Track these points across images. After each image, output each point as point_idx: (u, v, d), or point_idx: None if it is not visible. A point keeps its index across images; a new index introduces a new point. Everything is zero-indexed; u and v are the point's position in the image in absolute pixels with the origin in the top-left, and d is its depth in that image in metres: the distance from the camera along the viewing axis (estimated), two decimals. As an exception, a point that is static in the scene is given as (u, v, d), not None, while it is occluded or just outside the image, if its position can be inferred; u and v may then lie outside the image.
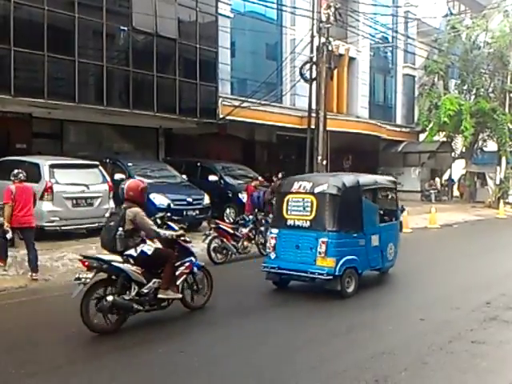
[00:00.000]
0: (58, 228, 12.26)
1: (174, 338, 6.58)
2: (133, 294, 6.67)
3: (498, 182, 28.30)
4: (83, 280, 6.39)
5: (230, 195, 16.35)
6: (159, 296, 6.91)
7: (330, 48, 18.22)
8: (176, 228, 10.49)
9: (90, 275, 6.44)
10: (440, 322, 7.32)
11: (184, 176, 15.92)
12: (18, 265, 10.09)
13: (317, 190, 8.53)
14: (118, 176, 14.15)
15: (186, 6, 17.17)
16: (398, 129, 29.68)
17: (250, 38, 22.28)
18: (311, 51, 19.47)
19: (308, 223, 8.49)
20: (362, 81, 27.40)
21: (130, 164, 14.97)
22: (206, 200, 14.91)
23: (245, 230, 12.04)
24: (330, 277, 8.23)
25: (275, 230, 8.91)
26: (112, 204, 13.10)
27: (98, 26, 15.06)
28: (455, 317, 7.60)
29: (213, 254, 11.20)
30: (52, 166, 12.45)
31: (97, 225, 12.97)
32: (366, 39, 26.02)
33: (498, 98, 28.49)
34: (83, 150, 16.50)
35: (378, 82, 29.96)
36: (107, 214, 12.50)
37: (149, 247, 6.96)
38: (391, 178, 11.25)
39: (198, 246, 11.79)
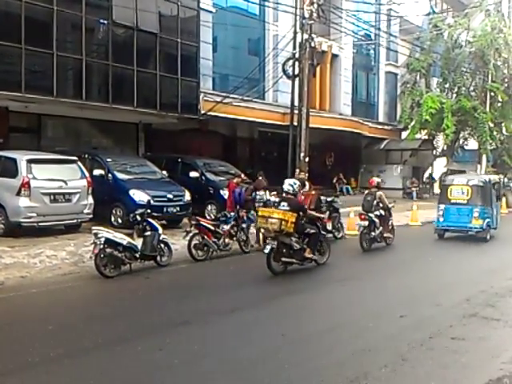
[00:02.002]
0: (35, 224, 12.06)
1: (151, 336, 6.45)
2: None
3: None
4: None
5: (212, 192, 16.22)
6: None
7: (312, 44, 18.16)
8: (156, 225, 10.44)
9: None
10: (420, 319, 7.32)
11: (164, 172, 15.76)
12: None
13: (471, 183, 15.23)
14: (96, 172, 13.99)
15: (167, 0, 16.99)
16: (381, 126, 29.80)
17: (232, 33, 22.14)
18: (294, 47, 19.42)
19: (465, 201, 15.03)
20: (345, 78, 27.42)
21: (109, 159, 14.77)
22: (187, 196, 14.78)
23: (226, 227, 11.91)
24: (480, 230, 14.88)
25: (442, 206, 15.30)
26: (91, 200, 12.92)
27: (77, 18, 14.80)
28: (435, 313, 7.61)
29: (193, 251, 11.06)
30: (29, 161, 12.23)
31: (75, 221, 12.86)
32: (348, 36, 25.98)
33: (479, 97, 28.76)
34: (61, 144, 16.20)
35: (360, 79, 30.02)
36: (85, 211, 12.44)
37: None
38: (498, 177, 19.08)
39: (179, 242, 11.73)
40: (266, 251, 9.68)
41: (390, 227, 13.98)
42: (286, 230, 9.79)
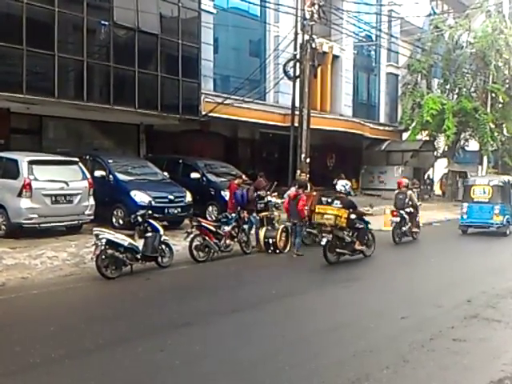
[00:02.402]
0: (36, 225, 12.06)
1: (153, 336, 6.45)
2: None
3: (479, 181, 28.51)
4: None
5: (213, 193, 16.21)
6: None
7: (313, 46, 18.16)
8: (157, 226, 10.46)
9: None
10: (421, 320, 7.31)
11: (165, 173, 15.75)
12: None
13: (491, 183, 17.03)
14: (98, 173, 13.98)
15: (168, 1, 16.97)
16: (382, 127, 29.78)
17: (233, 34, 22.13)
18: (295, 48, 19.43)
19: (487, 200, 16.72)
20: (346, 79, 27.41)
21: (110, 161, 14.76)
22: (188, 198, 14.78)
23: (227, 228, 11.92)
24: (500, 225, 16.45)
25: (466, 204, 17.09)
26: (92, 201, 12.92)
27: (78, 20, 14.80)
28: (436, 314, 7.61)
29: (195, 252, 11.06)
30: (31, 163, 12.23)
31: (76, 222, 12.87)
32: (349, 37, 25.97)
33: (480, 98, 28.73)
34: (63, 146, 16.21)
35: (361, 80, 30.02)
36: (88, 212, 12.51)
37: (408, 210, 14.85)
38: None
39: (180, 244, 11.73)
40: (323, 243, 11.01)
41: (417, 223, 15.53)
42: (340, 225, 11.19)
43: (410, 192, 15.42)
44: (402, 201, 15.02)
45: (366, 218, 12.39)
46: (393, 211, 14.80)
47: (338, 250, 11.27)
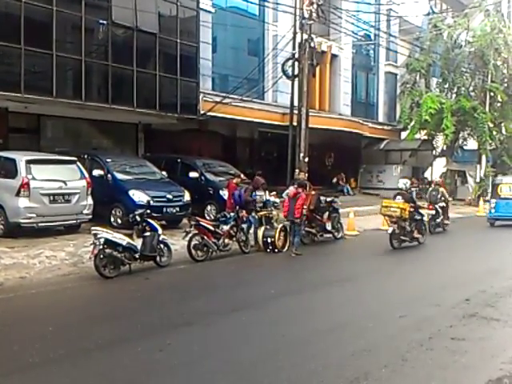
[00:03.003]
0: (34, 225, 12.03)
1: (151, 336, 6.45)
2: None
3: (478, 180, 28.58)
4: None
5: (211, 192, 16.19)
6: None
7: (312, 45, 18.17)
8: (156, 225, 10.45)
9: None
10: (420, 319, 7.31)
11: (164, 172, 15.73)
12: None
13: None
14: (96, 172, 13.96)
15: (166, 0, 16.95)
16: (380, 126, 29.75)
17: (231, 33, 22.09)
18: (293, 48, 19.43)
19: None
20: (345, 78, 27.38)
21: (108, 160, 14.74)
22: (187, 197, 14.76)
23: (226, 228, 11.91)
24: None
25: (494, 200, 18.95)
26: (90, 200, 12.90)
27: (76, 19, 14.77)
28: (435, 314, 7.61)
29: (193, 252, 11.05)
30: (29, 162, 12.20)
31: (75, 221, 12.85)
32: (348, 36, 25.94)
33: (479, 97, 28.70)
34: (61, 145, 16.18)
35: (360, 79, 29.98)
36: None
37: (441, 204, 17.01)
38: None
39: (178, 243, 11.73)
40: (389, 232, 13.24)
41: (448, 216, 17.72)
42: (404, 217, 13.21)
43: (442, 189, 17.84)
44: (435, 197, 17.24)
45: (422, 212, 14.79)
46: (429, 205, 16.81)
47: (401, 237, 13.43)
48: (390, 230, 13.20)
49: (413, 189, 28.27)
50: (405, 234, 13.53)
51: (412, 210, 13.62)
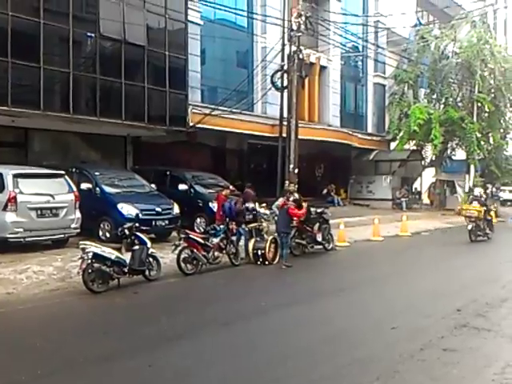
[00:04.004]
0: (22, 239, 11.86)
1: (141, 351, 6.34)
2: None
3: (467, 190, 28.69)
4: None
5: (201, 204, 16.11)
6: None
7: (300, 56, 18.26)
8: (145, 239, 10.35)
9: None
10: (411, 330, 7.28)
11: (153, 185, 15.63)
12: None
13: None
14: (84, 185, 13.84)
15: (154, 12, 16.93)
16: (369, 137, 29.88)
17: (220, 45, 22.15)
18: (282, 59, 19.51)
19: None
20: (333, 89, 27.52)
21: (96, 173, 14.63)
22: (176, 209, 14.67)
23: (215, 240, 11.83)
24: None
25: None
26: (78, 214, 12.77)
27: (64, 32, 14.68)
28: (426, 324, 7.57)
29: (183, 265, 10.94)
30: (16, 176, 12.06)
31: (62, 236, 12.70)
32: (336, 48, 26.11)
33: (466, 108, 28.92)
34: (49, 159, 16.05)
35: (348, 90, 30.17)
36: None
37: None
38: None
39: (168, 256, 11.61)
40: (469, 228, 17.11)
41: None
42: (479, 217, 17.17)
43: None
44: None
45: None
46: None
47: (478, 233, 17.23)
48: (470, 227, 17.06)
49: (403, 199, 28.61)
50: (479, 230, 17.29)
51: (484, 212, 17.44)
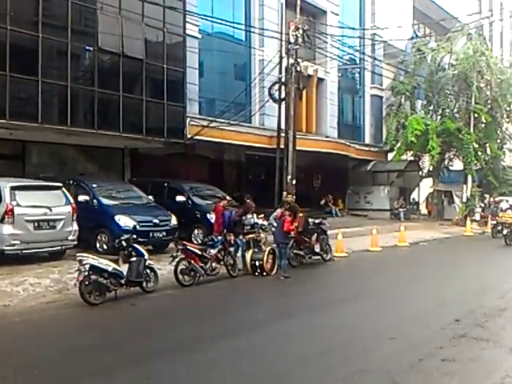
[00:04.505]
0: (18, 252, 11.85)
1: (138, 364, 6.29)
2: None
3: (464, 200, 28.73)
4: None
5: (198, 216, 16.10)
6: None
7: (298, 69, 18.37)
8: (142, 250, 10.33)
9: None
10: (410, 341, 7.24)
11: (150, 197, 15.64)
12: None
13: None
14: (81, 197, 13.83)
15: (153, 26, 17.03)
16: (367, 148, 29.98)
17: (218, 58, 22.25)
18: (280, 72, 19.61)
19: None
20: (331, 101, 27.64)
21: (94, 185, 14.63)
22: (173, 221, 14.65)
23: (213, 251, 11.80)
24: None
25: None
26: (75, 226, 12.75)
27: (62, 45, 14.79)
28: (425, 335, 7.55)
29: (180, 277, 10.91)
30: (13, 188, 12.07)
31: (59, 248, 12.67)
32: (334, 61, 26.28)
33: (463, 118, 29.04)
34: (46, 171, 16.06)
35: (346, 102, 30.30)
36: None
37: None
38: None
39: (165, 268, 11.58)
40: (504, 233, 19.80)
41: None
42: None
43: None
44: (494, 212, 22.70)
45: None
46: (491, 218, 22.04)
47: None
48: (505, 231, 19.76)
49: (401, 210, 28.62)
50: None
51: None
